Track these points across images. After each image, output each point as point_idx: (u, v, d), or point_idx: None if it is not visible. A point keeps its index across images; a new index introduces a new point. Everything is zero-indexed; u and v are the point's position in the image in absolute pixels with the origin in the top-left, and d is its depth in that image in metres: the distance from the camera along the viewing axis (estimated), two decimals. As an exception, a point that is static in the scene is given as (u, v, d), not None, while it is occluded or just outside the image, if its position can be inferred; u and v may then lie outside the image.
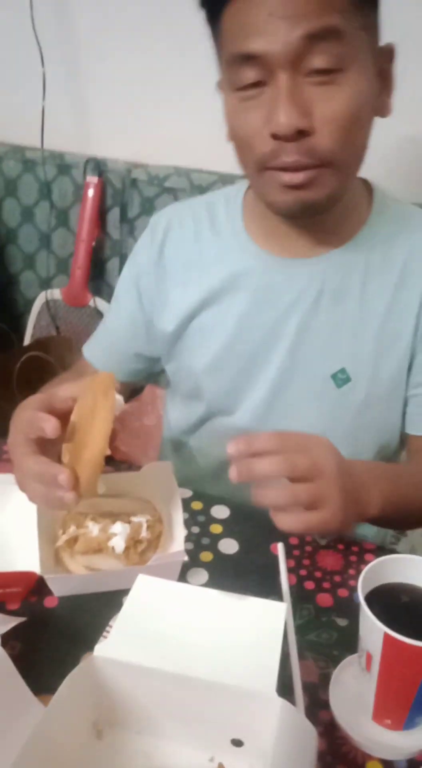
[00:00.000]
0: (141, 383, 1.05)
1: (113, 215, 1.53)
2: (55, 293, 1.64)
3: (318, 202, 0.66)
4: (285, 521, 0.52)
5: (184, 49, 1.35)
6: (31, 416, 0.57)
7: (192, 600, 0.46)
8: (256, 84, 0.61)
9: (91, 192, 1.52)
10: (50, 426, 0.55)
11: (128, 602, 0.45)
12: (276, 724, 0.40)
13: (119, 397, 0.57)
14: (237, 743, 0.44)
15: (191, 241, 0.80)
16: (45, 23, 1.49)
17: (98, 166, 1.52)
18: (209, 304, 0.79)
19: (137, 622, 0.44)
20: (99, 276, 1.59)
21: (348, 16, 0.59)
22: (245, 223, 0.78)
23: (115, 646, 0.42)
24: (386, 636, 0.43)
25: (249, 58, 0.60)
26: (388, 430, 0.78)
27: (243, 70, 0.61)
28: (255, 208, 0.76)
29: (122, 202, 1.52)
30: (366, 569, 0.47)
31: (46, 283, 1.66)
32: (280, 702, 0.41)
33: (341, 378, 0.75)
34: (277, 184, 0.64)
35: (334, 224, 0.72)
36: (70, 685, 0.41)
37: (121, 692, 0.44)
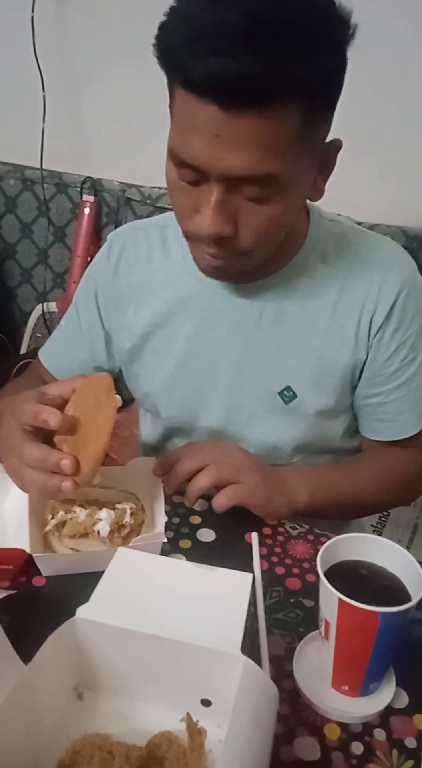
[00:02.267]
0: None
1: (108, 232, 1.59)
2: (51, 306, 1.70)
3: (235, 277, 0.72)
4: (217, 502, 0.66)
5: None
6: (32, 408, 0.61)
7: (167, 569, 0.51)
8: (195, 180, 0.61)
9: (87, 210, 1.59)
10: (54, 418, 0.59)
11: (108, 570, 0.50)
12: (239, 682, 0.45)
13: (118, 397, 0.62)
14: (206, 703, 0.49)
15: (144, 263, 0.84)
16: (46, 51, 1.57)
17: (94, 186, 1.59)
18: (161, 326, 0.82)
19: (116, 588, 0.49)
20: (93, 290, 1.65)
21: (292, 156, 0.58)
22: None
23: (95, 609, 0.47)
24: (340, 602, 0.47)
25: (189, 164, 0.60)
26: (339, 439, 0.84)
27: (183, 169, 0.61)
28: None
29: (117, 220, 1.59)
30: (324, 546, 0.51)
31: (42, 297, 1.72)
32: (243, 660, 0.45)
33: (287, 395, 0.79)
34: (201, 255, 0.69)
35: (269, 261, 0.74)
36: (52, 644, 0.45)
37: (100, 654, 0.48)
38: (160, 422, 0.89)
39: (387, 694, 0.52)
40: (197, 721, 0.46)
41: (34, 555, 0.59)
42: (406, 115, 1.32)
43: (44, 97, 1.60)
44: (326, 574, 0.50)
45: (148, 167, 1.56)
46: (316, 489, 0.73)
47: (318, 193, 0.69)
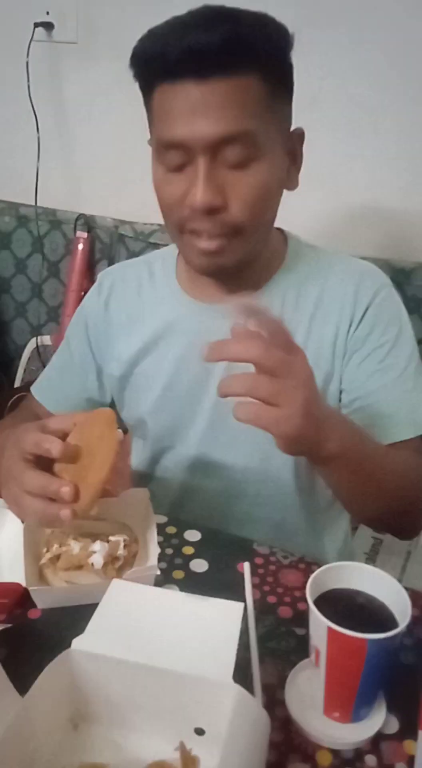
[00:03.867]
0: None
1: (101, 268, 1.63)
2: (46, 339, 1.73)
3: (229, 265, 0.75)
4: (239, 409, 0.55)
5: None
6: (34, 437, 0.63)
7: (160, 600, 0.52)
8: (181, 165, 0.70)
9: (80, 246, 1.62)
10: (56, 446, 0.61)
11: (103, 602, 0.51)
12: (232, 710, 0.46)
13: (120, 431, 0.64)
14: (200, 732, 0.49)
15: (133, 295, 0.89)
16: (40, 94, 1.62)
17: (87, 223, 1.63)
18: (149, 350, 0.86)
19: (111, 620, 0.50)
20: (87, 324, 1.68)
21: (261, 118, 0.69)
22: (177, 277, 0.87)
23: (90, 640, 0.48)
24: (329, 630, 0.49)
25: (173, 144, 0.69)
26: None
27: (169, 153, 0.70)
28: (184, 264, 0.83)
29: (110, 255, 1.62)
30: (313, 575, 0.53)
31: (36, 330, 1.75)
32: (235, 688, 0.46)
33: None
34: (195, 247, 0.74)
35: (252, 274, 0.81)
36: (48, 676, 0.46)
37: (95, 684, 0.49)
38: (148, 446, 0.91)
39: (377, 719, 0.53)
40: (191, 749, 0.47)
41: (29, 588, 0.60)
42: (391, 148, 1.36)
43: (39, 137, 1.64)
44: (315, 603, 0.51)
45: (140, 204, 1.60)
46: (346, 444, 0.64)
47: (292, 182, 0.78)
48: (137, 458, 0.96)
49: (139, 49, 0.70)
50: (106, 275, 0.93)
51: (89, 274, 1.64)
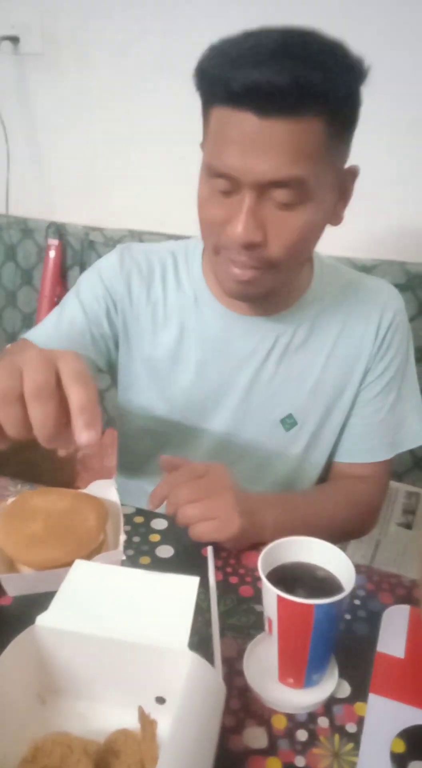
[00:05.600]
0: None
1: (73, 274, 1.66)
2: (20, 346, 1.74)
3: (258, 296, 0.76)
4: (191, 533, 0.70)
5: (136, 126, 1.52)
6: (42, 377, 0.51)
7: (120, 577, 0.55)
8: (228, 191, 0.68)
9: (52, 253, 1.65)
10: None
11: (66, 581, 0.54)
12: (186, 674, 0.49)
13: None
14: (161, 701, 0.52)
15: (158, 285, 0.86)
16: (8, 106, 1.64)
17: (58, 230, 1.65)
18: (171, 352, 0.86)
19: (73, 597, 0.53)
20: (61, 329, 1.71)
21: (317, 163, 0.65)
22: (204, 274, 0.86)
23: (54, 616, 0.51)
24: (279, 598, 0.52)
25: (223, 174, 0.67)
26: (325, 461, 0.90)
27: (217, 179, 0.68)
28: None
29: (81, 261, 1.65)
30: (264, 549, 0.56)
31: (11, 338, 1.77)
32: (190, 655, 0.49)
33: (289, 422, 0.86)
34: (227, 272, 0.73)
35: (280, 297, 0.82)
36: (12, 651, 0.49)
37: (60, 659, 0.52)
38: (150, 439, 0.91)
39: (329, 685, 0.57)
40: (149, 713, 0.50)
41: (0, 576, 0.63)
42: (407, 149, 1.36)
43: (8, 148, 1.67)
44: (268, 576, 0.54)
45: (109, 210, 1.64)
46: (280, 523, 0.74)
47: (337, 218, 0.75)
48: (128, 450, 0.96)
49: (203, 67, 0.66)
50: (126, 250, 0.89)
51: (62, 281, 1.66)
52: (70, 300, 0.90)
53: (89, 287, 0.88)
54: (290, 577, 0.56)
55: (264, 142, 0.63)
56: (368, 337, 0.85)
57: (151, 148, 1.53)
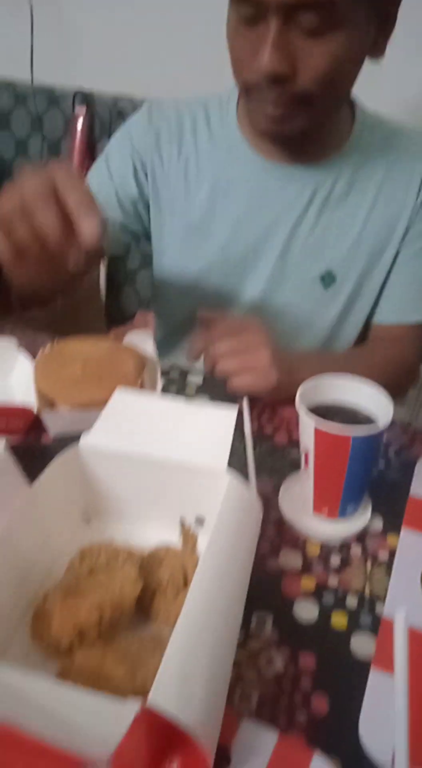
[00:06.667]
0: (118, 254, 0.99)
1: (101, 147, 1.59)
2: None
3: (292, 135, 0.72)
4: (233, 383, 0.70)
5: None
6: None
7: (161, 405, 0.56)
8: (253, 17, 0.64)
9: (79, 125, 1.58)
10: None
11: (108, 407, 0.55)
12: (224, 493, 0.50)
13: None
14: (200, 521, 0.54)
15: (189, 136, 0.83)
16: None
17: (85, 99, 1.58)
18: (205, 208, 0.83)
19: (116, 420, 0.54)
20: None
21: None
22: (239, 123, 0.81)
23: (96, 437, 0.52)
24: (316, 431, 0.52)
25: None
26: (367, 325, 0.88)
27: (241, 4, 0.64)
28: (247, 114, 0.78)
29: (110, 132, 1.58)
30: (302, 386, 0.56)
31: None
32: (229, 475, 0.50)
33: (328, 280, 0.83)
34: (260, 110, 0.70)
35: (317, 143, 0.78)
36: (56, 466, 0.50)
37: (104, 480, 0.53)
38: (189, 303, 0.89)
39: (363, 518, 0.58)
40: (190, 526, 0.52)
41: (41, 412, 0.64)
42: None
43: (32, 7, 1.56)
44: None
45: (139, 76, 1.55)
46: (318, 373, 0.74)
47: (378, 50, 0.70)
48: (167, 318, 0.95)
49: None
50: (156, 105, 0.85)
51: (90, 153, 1.60)
52: (98, 165, 0.89)
53: (117, 148, 0.87)
54: (327, 413, 0.56)
55: None
56: (412, 191, 0.80)
57: (184, 15, 1.42)
